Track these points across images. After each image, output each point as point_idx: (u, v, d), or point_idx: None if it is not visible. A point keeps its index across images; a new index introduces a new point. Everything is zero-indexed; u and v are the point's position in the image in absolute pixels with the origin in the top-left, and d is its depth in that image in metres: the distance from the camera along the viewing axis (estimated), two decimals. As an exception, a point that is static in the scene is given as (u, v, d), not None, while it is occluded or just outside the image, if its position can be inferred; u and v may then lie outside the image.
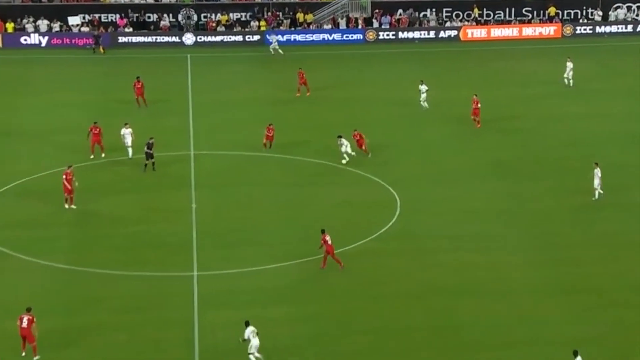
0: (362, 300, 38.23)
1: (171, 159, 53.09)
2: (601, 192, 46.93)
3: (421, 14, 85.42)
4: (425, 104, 61.34)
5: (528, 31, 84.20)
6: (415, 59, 77.06)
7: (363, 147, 52.43)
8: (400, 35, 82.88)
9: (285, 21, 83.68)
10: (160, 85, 68.24)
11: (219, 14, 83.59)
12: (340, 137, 51.72)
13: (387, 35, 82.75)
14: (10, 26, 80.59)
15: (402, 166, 52.49)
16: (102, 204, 47.28)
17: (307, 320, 36.75)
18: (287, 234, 43.66)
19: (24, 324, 33.56)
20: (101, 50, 77.70)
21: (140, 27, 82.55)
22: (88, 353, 34.45)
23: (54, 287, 39.24)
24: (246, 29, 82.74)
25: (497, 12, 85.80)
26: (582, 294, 38.57)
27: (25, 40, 79.88)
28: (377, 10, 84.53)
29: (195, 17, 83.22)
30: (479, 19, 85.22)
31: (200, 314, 36.85)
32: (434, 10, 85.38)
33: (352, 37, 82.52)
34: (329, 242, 40.04)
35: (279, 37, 79.27)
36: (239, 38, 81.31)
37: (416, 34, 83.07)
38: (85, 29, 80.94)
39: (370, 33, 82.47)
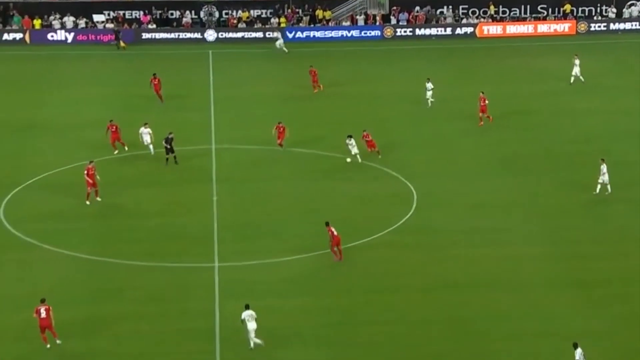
0: (378, 292, 38.41)
1: (193, 153, 53.39)
2: (609, 189, 46.80)
3: (438, 11, 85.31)
4: (431, 100, 61.20)
5: (543, 28, 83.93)
6: (431, 55, 76.96)
7: (375, 148, 51.63)
8: (418, 31, 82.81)
9: (304, 18, 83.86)
10: (182, 81, 68.56)
11: (240, 11, 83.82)
12: (350, 136, 51.09)
13: (405, 31, 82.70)
14: (37, 23, 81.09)
15: (419, 161, 52.54)
16: (125, 197, 47.62)
17: (324, 310, 36.98)
18: (305, 227, 43.85)
19: (43, 315, 33.84)
20: (122, 45, 78.10)
21: (163, 23, 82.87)
22: (111, 342, 34.80)
23: (78, 277, 39.63)
24: (266, 26, 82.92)
25: (512, 9, 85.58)
26: (592, 288, 38.62)
27: (52, 36, 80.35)
28: (394, 7, 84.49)
29: (216, 14, 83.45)
30: (494, 15, 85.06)
31: (221, 304, 37.16)
32: (450, 7, 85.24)
33: (370, 33, 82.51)
34: (335, 233, 40.24)
35: (286, 34, 79.31)
36: (260, 34, 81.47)
37: (433, 31, 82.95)
38: (109, 25, 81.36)
39: (388, 30, 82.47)
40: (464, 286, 38.75)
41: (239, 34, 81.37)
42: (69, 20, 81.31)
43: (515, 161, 52.44)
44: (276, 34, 79.02)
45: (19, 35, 79.83)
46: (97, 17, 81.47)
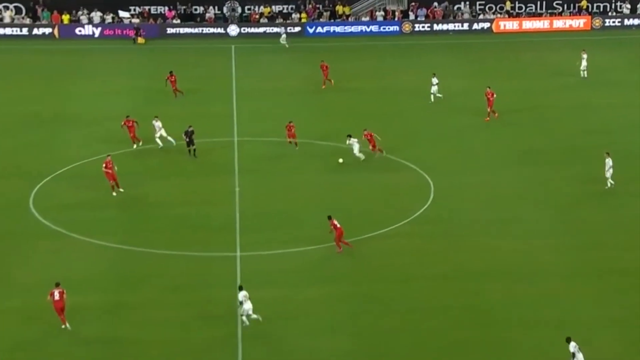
0: (397, 281, 38.25)
1: (216, 145, 53.34)
2: (611, 183, 46.41)
3: (455, 7, 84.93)
4: (438, 95, 60.79)
5: (558, 23, 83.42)
6: (449, 50, 76.62)
7: (377, 147, 50.56)
8: (435, 27, 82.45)
9: (325, 13, 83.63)
10: (205, 75, 68.62)
11: (262, 7, 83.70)
12: (349, 136, 50.12)
13: (423, 27, 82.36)
14: (66, 18, 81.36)
15: (436, 153, 52.29)
16: (150, 188, 47.63)
17: (345, 299, 36.84)
18: (325, 218, 43.70)
19: (57, 297, 34.08)
20: (140, 40, 78.19)
21: (187, 18, 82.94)
22: (137, 328, 34.82)
23: (105, 265, 39.67)
24: (287, 21, 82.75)
25: (528, 4, 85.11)
26: (607, 277, 38.32)
27: (80, 31, 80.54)
28: (413, 3, 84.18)
29: (239, 10, 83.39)
30: (511, 11, 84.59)
31: (243, 293, 37.09)
32: (467, 3, 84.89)
33: (388, 28, 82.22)
34: (338, 226, 40.10)
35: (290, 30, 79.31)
36: (281, 29, 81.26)
37: (450, 26, 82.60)
38: (135, 20, 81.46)
39: (407, 25, 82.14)
40: (481, 275, 38.52)
41: (261, 29, 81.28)
42: (96, 16, 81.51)
43: (530, 154, 52.11)
44: (281, 30, 78.81)
45: (48, 30, 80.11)
46: (122, 14, 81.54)
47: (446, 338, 34.18)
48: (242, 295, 34.32)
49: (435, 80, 60.98)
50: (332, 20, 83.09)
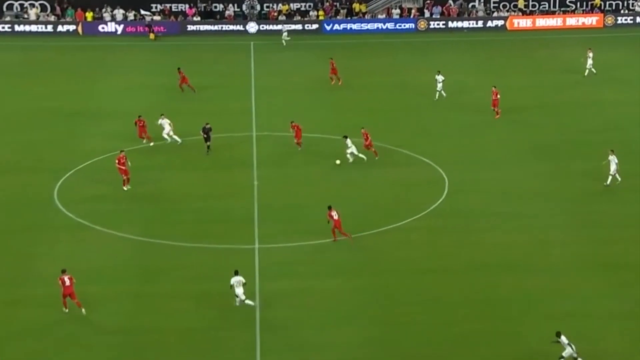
0: (411, 274, 38.24)
1: (235, 140, 53.43)
2: (618, 178, 46.17)
3: (470, 5, 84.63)
4: (443, 93, 60.51)
5: (571, 21, 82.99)
6: (464, 47, 76.34)
7: (371, 148, 49.55)
8: (450, 24, 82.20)
9: (342, 11, 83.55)
10: (225, 71, 68.68)
11: (280, 4, 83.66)
12: (345, 137, 49.27)
13: (438, 24, 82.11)
14: (89, 15, 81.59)
15: (450, 148, 52.16)
16: (170, 181, 47.76)
17: (359, 291, 36.87)
18: (341, 211, 43.69)
19: (67, 283, 34.45)
20: (151, 36, 78.43)
21: (208, 16, 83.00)
22: (158, 318, 34.97)
23: (127, 257, 39.85)
24: (305, 18, 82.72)
25: (542, 2, 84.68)
26: (618, 271, 38.16)
27: (103, 28, 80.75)
28: (428, 1, 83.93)
29: (258, 7, 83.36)
30: (524, 9, 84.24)
31: (261, 285, 37.15)
32: (482, 0, 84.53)
33: (404, 26, 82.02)
34: (335, 217, 40.13)
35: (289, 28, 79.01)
36: (299, 27, 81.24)
37: (465, 24, 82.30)
38: (156, 18, 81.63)
39: (422, 22, 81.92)
40: (494, 269, 38.47)
41: (279, 26, 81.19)
42: (119, 13, 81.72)
43: (543, 149, 51.90)
44: (282, 27, 78.76)
45: (72, 27, 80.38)
46: (144, 12, 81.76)
47: (458, 330, 34.14)
48: (234, 280, 34.82)
49: (440, 78, 60.75)
50: (349, 18, 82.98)
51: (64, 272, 34.85)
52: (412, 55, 74.03)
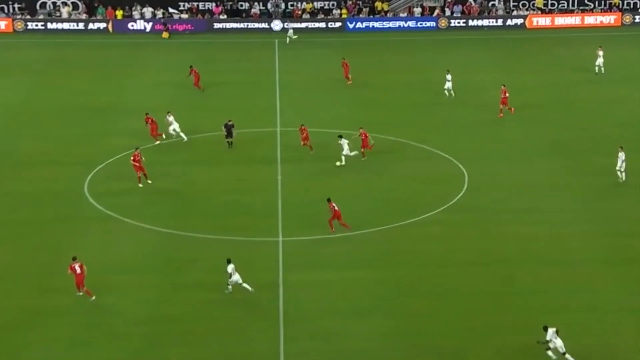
0: (431, 266, 38.10)
1: (260, 135, 53.41)
2: (622, 176, 45.64)
3: (490, 3, 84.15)
4: (452, 92, 60.02)
5: (590, 20, 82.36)
6: (483, 45, 75.94)
7: (369, 147, 48.71)
8: (471, 23, 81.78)
9: (364, 9, 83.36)
10: (250, 68, 68.65)
11: (304, 3, 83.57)
12: (340, 137, 48.55)
13: (458, 22, 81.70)
14: (119, 13, 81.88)
15: (470, 144, 51.92)
16: (196, 176, 47.80)
17: (380, 283, 36.76)
18: (363, 205, 43.64)
19: (78, 271, 34.68)
20: (165, 35, 78.55)
21: (234, 14, 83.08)
22: (184, 307, 35.02)
23: (155, 248, 39.94)
24: (329, 17, 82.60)
25: (561, 1, 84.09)
26: (636, 265, 37.78)
27: (132, 26, 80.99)
28: (449, 0, 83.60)
29: (282, 6, 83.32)
30: (543, 8, 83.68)
31: (285, 276, 37.13)
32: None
33: (425, 24, 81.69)
34: (336, 208, 40.06)
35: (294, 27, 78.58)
36: (322, 25, 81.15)
37: (485, 22, 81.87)
38: (184, 16, 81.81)
39: (443, 21, 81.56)
40: (513, 262, 38.25)
41: (303, 24, 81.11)
42: (148, 11, 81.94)
43: (561, 145, 51.56)
44: (288, 26, 78.58)
45: (102, 25, 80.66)
46: (172, 10, 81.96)
47: (477, 321, 33.96)
48: (230, 267, 35.01)
49: (449, 77, 60.35)
50: (371, 16, 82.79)
51: (74, 259, 35.00)
52: (433, 53, 73.71)
